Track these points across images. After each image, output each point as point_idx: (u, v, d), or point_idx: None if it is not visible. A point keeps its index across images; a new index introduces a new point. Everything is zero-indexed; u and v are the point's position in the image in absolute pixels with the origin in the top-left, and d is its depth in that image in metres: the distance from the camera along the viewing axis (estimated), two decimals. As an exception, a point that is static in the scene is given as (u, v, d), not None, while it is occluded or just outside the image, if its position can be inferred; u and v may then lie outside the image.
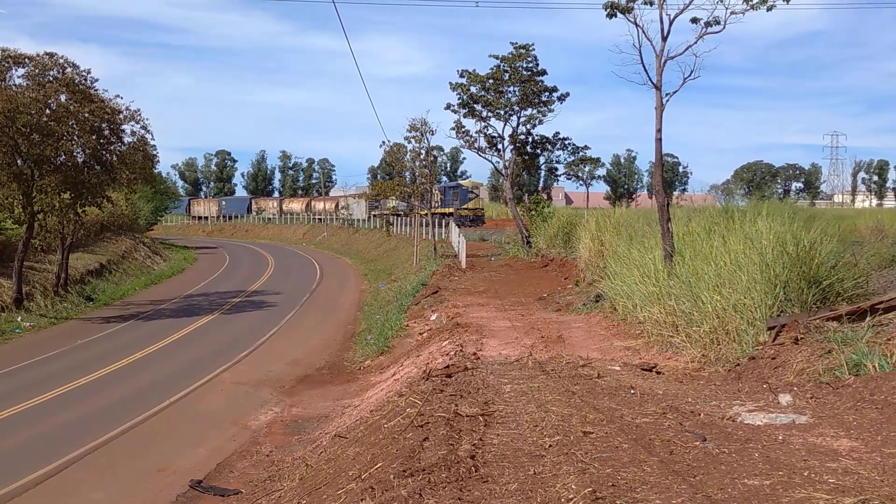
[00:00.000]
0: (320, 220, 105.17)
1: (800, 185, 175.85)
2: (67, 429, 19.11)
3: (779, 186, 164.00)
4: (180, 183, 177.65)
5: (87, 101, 36.97)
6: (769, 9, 21.16)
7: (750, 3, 21.04)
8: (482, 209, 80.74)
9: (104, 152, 39.19)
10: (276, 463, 15.77)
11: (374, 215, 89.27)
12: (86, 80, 37.63)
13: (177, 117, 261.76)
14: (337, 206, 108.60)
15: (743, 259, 16.88)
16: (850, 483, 7.18)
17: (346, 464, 10.82)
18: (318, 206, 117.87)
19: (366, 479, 8.72)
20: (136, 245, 62.69)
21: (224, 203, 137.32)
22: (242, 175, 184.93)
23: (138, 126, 40.49)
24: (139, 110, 40.00)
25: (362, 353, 27.57)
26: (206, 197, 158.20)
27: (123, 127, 39.81)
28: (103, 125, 38.22)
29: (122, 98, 39.97)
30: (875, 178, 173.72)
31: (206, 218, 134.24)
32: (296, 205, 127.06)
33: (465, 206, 73.72)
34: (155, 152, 43.62)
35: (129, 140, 40.68)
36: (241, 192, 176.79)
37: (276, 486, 13.43)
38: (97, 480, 15.86)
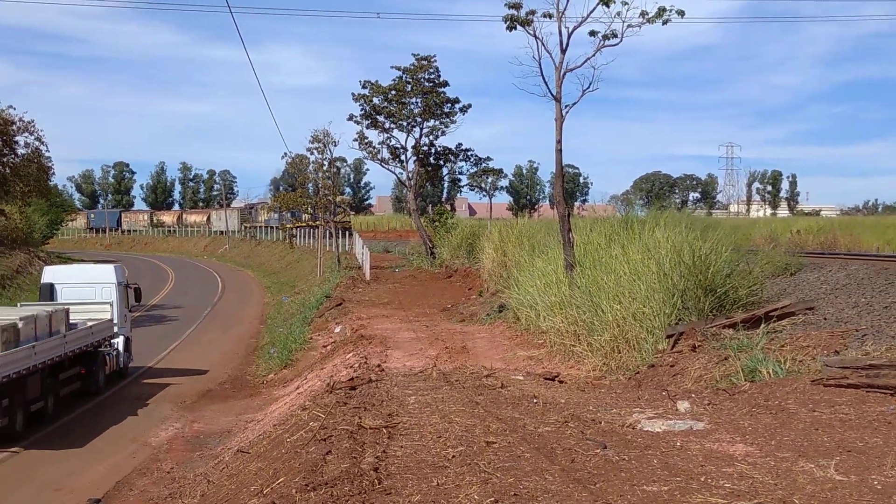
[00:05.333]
0: (222, 232, 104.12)
1: (697, 195, 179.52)
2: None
3: (677, 196, 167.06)
4: (77, 195, 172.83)
5: (-23, 112, 35.88)
6: (665, 22, 21.62)
7: (646, 16, 21.47)
8: (349, 221, 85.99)
9: (-4, 164, 38.08)
10: (177, 480, 15.45)
11: (246, 227, 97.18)
12: (-25, 89, 36.57)
13: (73, 128, 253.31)
14: (208, 218, 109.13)
15: (642, 268, 17.19)
16: (745, 487, 7.36)
17: (249, 479, 10.68)
18: (190, 219, 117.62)
19: (268, 495, 8.63)
20: (32, 259, 60.64)
21: (92, 216, 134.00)
22: (142, 187, 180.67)
23: (32, 137, 39.62)
24: (33, 121, 39.17)
25: (265, 366, 27.22)
26: (82, 209, 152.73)
27: (17, 138, 38.81)
28: (-6, 136, 37.15)
29: (14, 109, 38.84)
30: (769, 188, 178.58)
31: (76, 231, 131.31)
32: (167, 217, 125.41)
33: (334, 219, 76.37)
34: (50, 164, 42.82)
35: (23, 152, 39.75)
36: (140, 204, 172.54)
37: (176, 503, 13.19)
38: (-10, 502, 15.36)
